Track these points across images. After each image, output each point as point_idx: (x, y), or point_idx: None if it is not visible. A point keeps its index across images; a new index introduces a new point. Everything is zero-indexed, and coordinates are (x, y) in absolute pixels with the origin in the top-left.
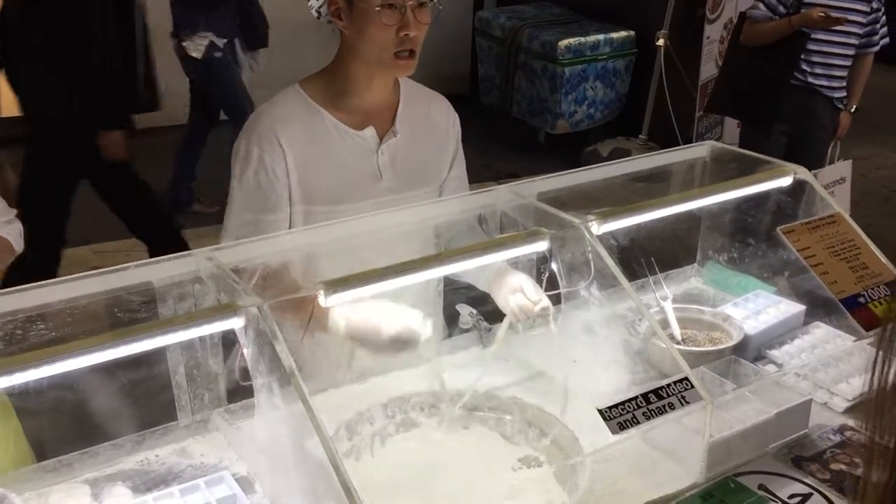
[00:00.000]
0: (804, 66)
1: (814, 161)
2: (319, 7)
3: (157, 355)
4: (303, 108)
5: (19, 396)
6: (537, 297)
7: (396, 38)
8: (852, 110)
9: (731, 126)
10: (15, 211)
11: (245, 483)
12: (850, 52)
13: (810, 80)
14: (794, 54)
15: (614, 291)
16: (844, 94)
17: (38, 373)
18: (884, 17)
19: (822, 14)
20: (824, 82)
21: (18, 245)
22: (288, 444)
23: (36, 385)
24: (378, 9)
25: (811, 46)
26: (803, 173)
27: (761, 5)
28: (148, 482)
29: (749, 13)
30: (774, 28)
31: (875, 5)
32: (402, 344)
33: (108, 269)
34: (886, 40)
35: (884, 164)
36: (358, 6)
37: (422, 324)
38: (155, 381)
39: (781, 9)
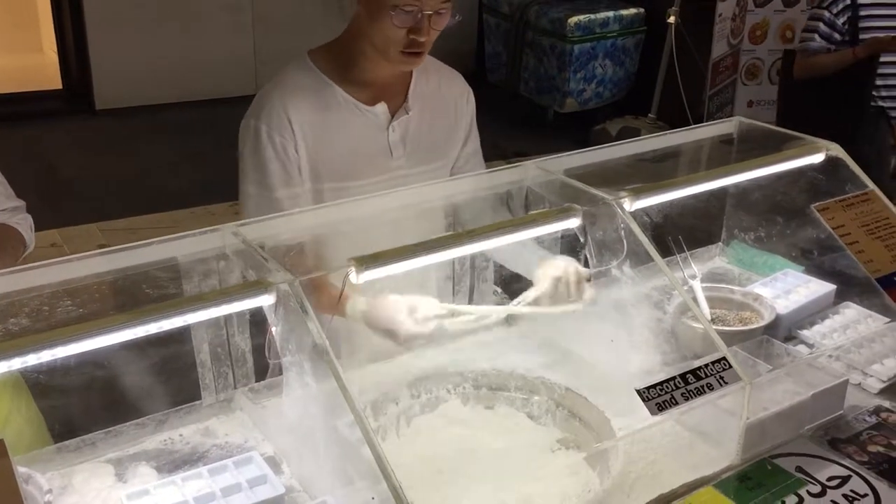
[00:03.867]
0: (874, 93)
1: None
2: None
3: (181, 333)
4: (313, 82)
5: (40, 375)
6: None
7: (406, 38)
8: None
9: (742, 105)
10: (23, 202)
11: (271, 463)
12: None
13: (880, 103)
14: (868, 80)
15: (643, 269)
16: None
17: (59, 352)
18: None
19: (888, 40)
20: (890, 104)
21: (30, 239)
22: (318, 423)
23: (56, 364)
24: (392, 12)
25: (879, 70)
26: (836, 150)
27: (816, 37)
28: (172, 462)
29: (802, 46)
30: (836, 60)
31: None
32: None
33: (131, 244)
34: None
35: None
36: None
37: (436, 311)
38: (178, 359)
39: (837, 36)
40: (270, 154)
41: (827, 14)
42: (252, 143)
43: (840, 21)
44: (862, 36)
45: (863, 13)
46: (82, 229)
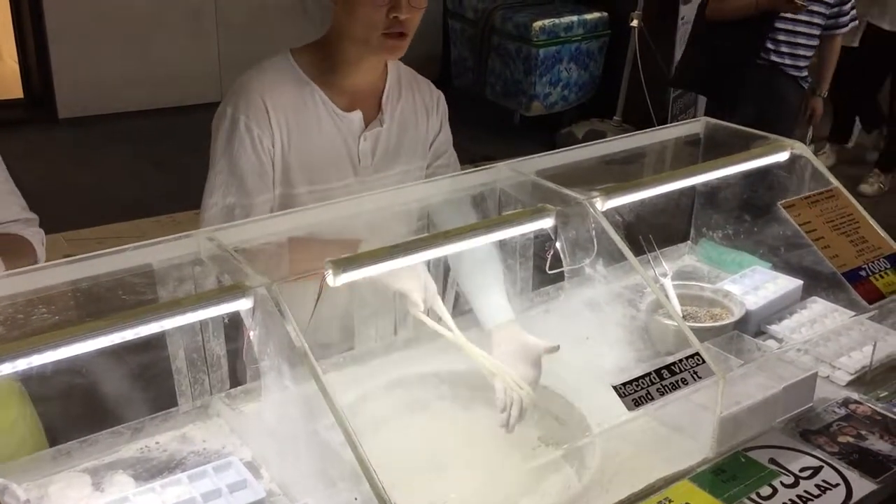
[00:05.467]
0: (769, 45)
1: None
2: None
3: (157, 340)
4: (293, 78)
5: (17, 384)
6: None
7: (386, 19)
8: (824, 95)
9: (704, 107)
10: (36, 216)
11: (250, 468)
12: (816, 31)
13: (774, 58)
14: (762, 35)
15: (616, 268)
16: (806, 73)
17: (35, 360)
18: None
19: None
20: (788, 61)
21: (41, 254)
22: (298, 426)
23: (32, 372)
24: None
25: (777, 25)
26: (800, 148)
27: None
28: (150, 470)
29: None
30: (740, 7)
31: None
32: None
33: (105, 250)
34: (856, 23)
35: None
36: None
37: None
38: (154, 366)
39: None
40: (247, 144)
41: None
42: (227, 132)
43: None
44: None
45: None
46: (47, 239)
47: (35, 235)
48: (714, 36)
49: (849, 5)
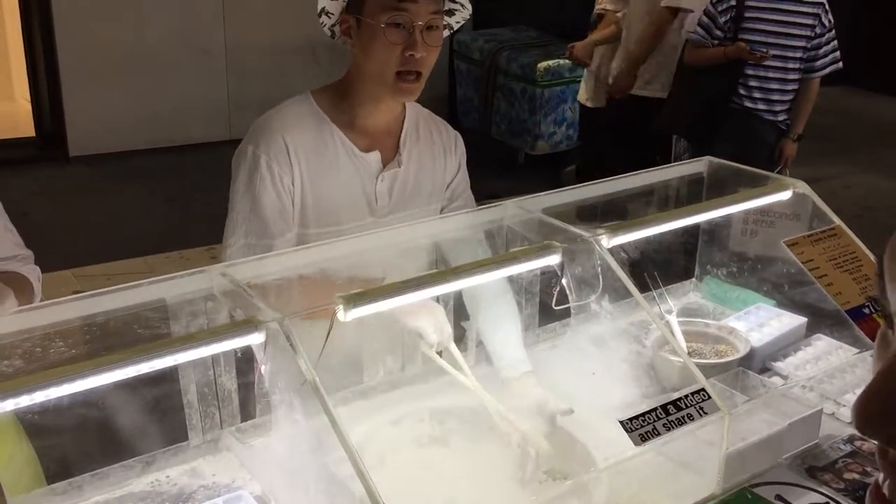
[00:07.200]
0: (741, 91)
1: None
2: (332, 26)
3: (169, 374)
4: (313, 117)
5: (34, 416)
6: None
7: (401, 57)
8: (795, 138)
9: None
10: (31, 253)
11: (260, 502)
12: (791, 76)
13: (747, 104)
14: (732, 80)
15: (621, 305)
16: (784, 117)
17: (51, 392)
18: (833, 42)
19: (747, 50)
20: (762, 106)
21: (38, 290)
22: (309, 461)
23: (48, 404)
24: (384, 27)
25: (748, 71)
26: (802, 187)
27: (699, 28)
28: None
29: (688, 35)
30: (710, 56)
31: (819, 30)
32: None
33: (120, 286)
34: (839, 65)
35: (852, 182)
36: (366, 23)
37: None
38: (165, 399)
39: (717, 32)
40: (268, 183)
41: (711, 9)
42: (248, 171)
43: (722, 19)
44: (741, 36)
45: (748, 15)
46: (57, 276)
47: (32, 272)
48: (693, 81)
49: (824, 49)
